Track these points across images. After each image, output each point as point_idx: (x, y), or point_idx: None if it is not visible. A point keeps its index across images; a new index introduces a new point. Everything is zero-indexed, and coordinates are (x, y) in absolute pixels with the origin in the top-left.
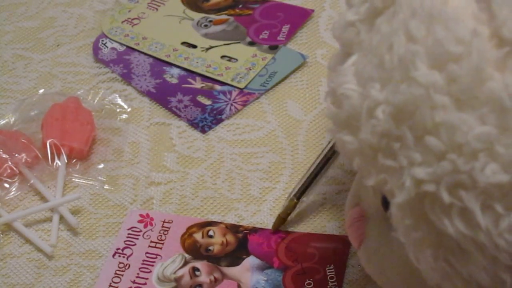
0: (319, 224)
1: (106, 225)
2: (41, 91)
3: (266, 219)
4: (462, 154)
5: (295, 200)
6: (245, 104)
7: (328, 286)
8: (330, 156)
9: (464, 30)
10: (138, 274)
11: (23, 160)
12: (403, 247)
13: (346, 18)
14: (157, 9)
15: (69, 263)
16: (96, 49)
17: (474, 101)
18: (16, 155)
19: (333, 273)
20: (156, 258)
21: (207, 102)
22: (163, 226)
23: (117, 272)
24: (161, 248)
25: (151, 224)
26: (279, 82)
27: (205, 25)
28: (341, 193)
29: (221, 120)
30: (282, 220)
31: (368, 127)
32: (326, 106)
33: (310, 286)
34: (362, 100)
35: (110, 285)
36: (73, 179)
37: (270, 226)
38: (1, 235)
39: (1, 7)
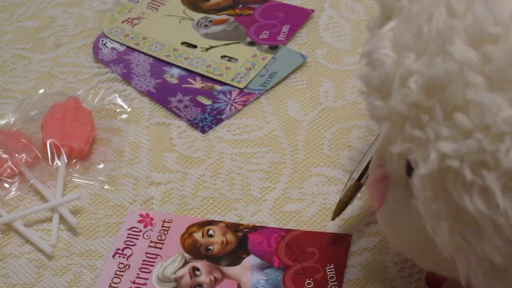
0: (319, 224)
1: (106, 225)
2: (41, 91)
3: (266, 219)
4: (489, 135)
5: (355, 182)
6: (245, 104)
7: (328, 286)
8: None
9: (504, 11)
10: (138, 274)
11: (23, 160)
12: (421, 216)
13: None
14: (157, 9)
15: (69, 263)
16: (96, 49)
17: (507, 83)
18: (16, 155)
19: (333, 272)
20: (156, 258)
21: (207, 102)
22: (163, 226)
23: (117, 272)
24: (161, 248)
25: (151, 224)
26: (279, 82)
27: (205, 25)
28: (341, 192)
29: (221, 120)
30: (343, 204)
31: (399, 95)
32: (360, 67)
33: (310, 286)
34: (396, 67)
35: (110, 286)
36: (73, 179)
37: (270, 225)
38: (1, 235)
39: (1, 7)
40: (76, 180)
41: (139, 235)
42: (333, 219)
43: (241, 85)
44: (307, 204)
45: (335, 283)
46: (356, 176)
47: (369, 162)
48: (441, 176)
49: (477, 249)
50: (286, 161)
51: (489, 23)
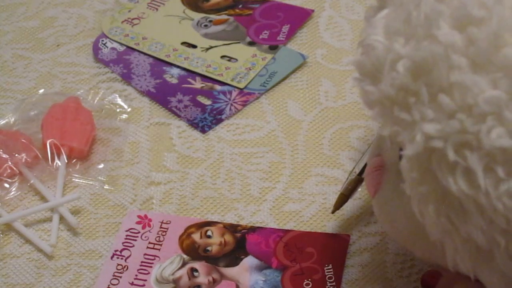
0: (319, 223)
1: (106, 225)
2: (41, 91)
3: (266, 219)
4: (471, 115)
5: (356, 176)
6: (245, 104)
7: (327, 286)
8: None
9: None
10: (136, 275)
11: (23, 160)
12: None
13: None
14: (157, 9)
15: (69, 263)
16: (96, 49)
17: (489, 65)
18: (16, 155)
19: (332, 273)
20: (154, 259)
21: (207, 102)
22: (161, 227)
23: (115, 274)
24: (159, 249)
25: (149, 225)
26: (279, 82)
27: (205, 25)
28: (342, 186)
29: (221, 120)
30: (344, 197)
31: (388, 79)
32: (355, 55)
33: (308, 287)
34: (386, 52)
35: (109, 287)
36: (73, 179)
37: (270, 225)
38: (1, 235)
39: (1, 7)
40: (76, 180)
41: (137, 237)
42: (333, 212)
43: (241, 85)
44: (307, 204)
45: (334, 283)
46: (357, 170)
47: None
48: (427, 157)
49: (462, 230)
50: (286, 161)
51: (474, 6)
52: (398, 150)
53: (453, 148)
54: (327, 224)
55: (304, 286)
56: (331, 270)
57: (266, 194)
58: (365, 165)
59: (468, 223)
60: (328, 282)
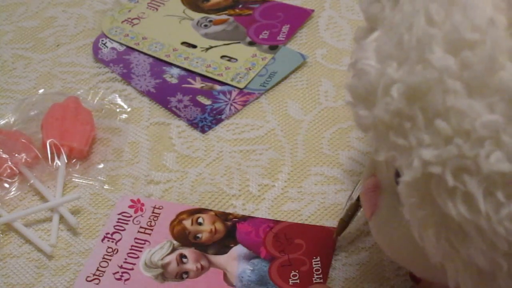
0: (317, 223)
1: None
2: (41, 91)
3: (264, 217)
4: (469, 140)
5: (355, 202)
6: (245, 104)
7: (313, 278)
8: None
9: (481, 18)
10: (125, 259)
11: (23, 160)
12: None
13: None
14: (157, 9)
15: (69, 262)
16: (96, 49)
17: (485, 89)
18: (16, 155)
19: (319, 265)
20: (144, 244)
21: (207, 102)
22: (153, 212)
23: (105, 256)
24: (150, 234)
25: (142, 210)
26: (279, 82)
27: (205, 25)
28: (340, 192)
29: (220, 120)
30: (345, 223)
31: (382, 104)
32: (348, 78)
33: (295, 278)
34: (379, 77)
35: (98, 269)
36: (73, 179)
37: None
38: (1, 235)
39: (1, 7)
40: (76, 180)
41: (129, 220)
42: (335, 237)
43: (241, 85)
44: (306, 203)
45: (320, 275)
46: (355, 196)
47: None
48: (425, 183)
49: (463, 254)
50: (286, 159)
51: (467, 30)
52: (393, 172)
53: (451, 173)
54: (326, 223)
55: (291, 277)
56: (319, 262)
57: (265, 192)
58: None
59: (469, 246)
60: (315, 274)
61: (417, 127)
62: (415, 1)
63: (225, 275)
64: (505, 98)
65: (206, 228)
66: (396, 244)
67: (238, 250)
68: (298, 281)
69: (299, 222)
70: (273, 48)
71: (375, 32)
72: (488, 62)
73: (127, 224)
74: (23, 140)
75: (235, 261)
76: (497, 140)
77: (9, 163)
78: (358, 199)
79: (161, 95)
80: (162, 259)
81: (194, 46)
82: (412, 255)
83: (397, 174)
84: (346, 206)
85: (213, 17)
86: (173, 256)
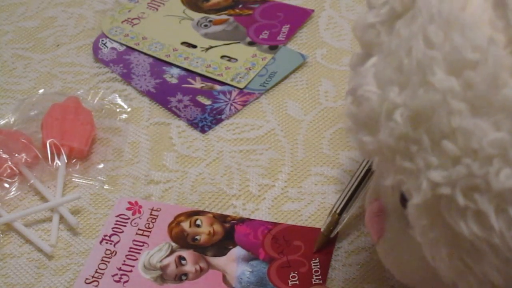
0: (317, 223)
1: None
2: (41, 91)
3: (264, 218)
4: (477, 159)
5: (337, 216)
6: (245, 104)
7: (313, 280)
8: (369, 168)
9: (480, 38)
10: (124, 261)
11: (23, 160)
12: (420, 245)
13: (366, 19)
14: (157, 9)
15: (69, 263)
16: (96, 49)
17: (489, 107)
18: (16, 155)
19: (318, 266)
20: (143, 246)
21: (207, 102)
22: (151, 214)
23: (104, 258)
24: (148, 236)
25: (139, 212)
26: (279, 82)
27: (205, 25)
28: (340, 192)
29: (220, 120)
30: (325, 237)
31: (386, 129)
32: (346, 105)
33: (294, 279)
34: (381, 102)
35: (96, 272)
36: (73, 179)
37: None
38: (1, 235)
39: (1, 7)
40: (76, 180)
41: (127, 223)
42: (315, 252)
43: (241, 85)
44: (305, 203)
45: (320, 277)
46: (338, 210)
47: (350, 196)
48: (435, 204)
49: (477, 271)
50: (286, 159)
51: (467, 50)
52: (398, 195)
53: (462, 193)
54: None
55: (290, 278)
56: (318, 264)
57: (265, 192)
58: (345, 204)
59: (483, 264)
60: (314, 276)
61: (424, 149)
62: (412, 24)
63: (224, 277)
64: (510, 115)
65: (205, 230)
66: (406, 266)
67: (236, 251)
68: (297, 282)
69: (299, 222)
70: (273, 48)
71: (372, 58)
72: (491, 81)
73: (125, 226)
74: (23, 140)
75: (234, 263)
76: (506, 157)
77: (9, 163)
78: (339, 214)
79: (161, 95)
80: (160, 261)
81: (194, 46)
82: (423, 276)
83: (402, 197)
84: (328, 220)
85: (213, 17)
86: (172, 258)
